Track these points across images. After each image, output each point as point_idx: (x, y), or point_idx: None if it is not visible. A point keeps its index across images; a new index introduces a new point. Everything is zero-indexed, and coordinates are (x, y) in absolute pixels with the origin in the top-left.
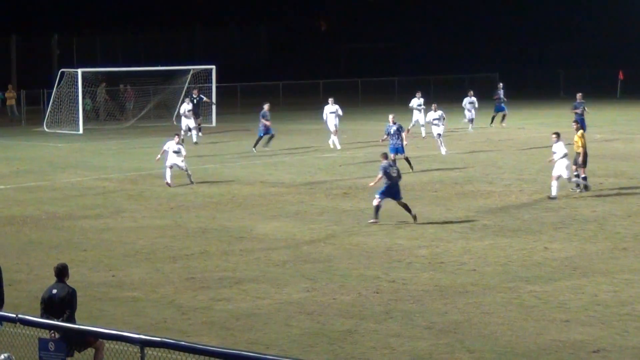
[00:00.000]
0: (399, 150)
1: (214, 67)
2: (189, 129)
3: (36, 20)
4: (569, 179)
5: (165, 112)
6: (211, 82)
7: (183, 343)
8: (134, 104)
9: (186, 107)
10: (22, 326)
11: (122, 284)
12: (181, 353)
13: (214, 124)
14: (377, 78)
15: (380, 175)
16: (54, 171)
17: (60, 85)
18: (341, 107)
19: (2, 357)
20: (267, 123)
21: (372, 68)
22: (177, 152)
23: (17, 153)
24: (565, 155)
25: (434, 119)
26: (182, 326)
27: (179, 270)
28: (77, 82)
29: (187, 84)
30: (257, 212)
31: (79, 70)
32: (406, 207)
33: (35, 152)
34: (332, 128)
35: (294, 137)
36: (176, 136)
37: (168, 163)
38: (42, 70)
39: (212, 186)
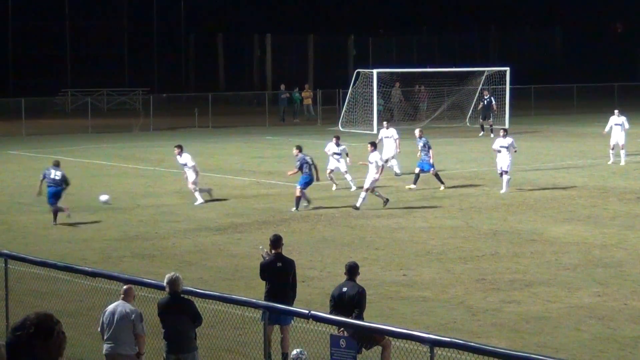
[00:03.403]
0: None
1: (508, 68)
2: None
3: (333, 21)
4: (371, 189)
5: (459, 113)
6: (505, 84)
7: (472, 344)
8: (427, 104)
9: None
10: (313, 322)
11: (412, 284)
12: (470, 354)
13: (507, 125)
14: None
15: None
16: (349, 169)
17: (356, 85)
18: (628, 119)
19: (295, 352)
20: None
21: None
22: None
23: (312, 151)
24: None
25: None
26: (471, 327)
27: (469, 271)
28: (372, 82)
29: (480, 86)
30: (548, 215)
31: (375, 71)
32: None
33: None
34: (614, 142)
35: (586, 140)
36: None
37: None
38: (338, 70)
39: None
